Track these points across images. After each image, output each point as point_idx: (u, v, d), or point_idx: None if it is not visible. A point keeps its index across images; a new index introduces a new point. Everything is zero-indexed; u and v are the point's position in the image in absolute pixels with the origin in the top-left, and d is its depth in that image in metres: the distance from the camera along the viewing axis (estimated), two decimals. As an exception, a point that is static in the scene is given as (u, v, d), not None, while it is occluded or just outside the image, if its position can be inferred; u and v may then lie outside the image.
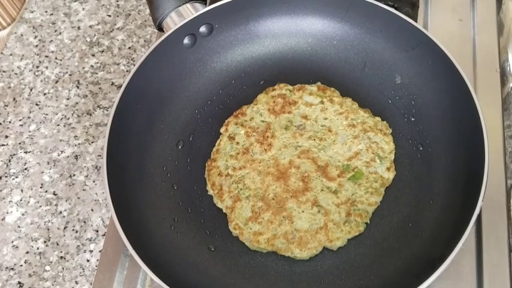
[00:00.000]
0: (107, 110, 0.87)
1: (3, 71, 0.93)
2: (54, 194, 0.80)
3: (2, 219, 0.79)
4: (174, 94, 0.79)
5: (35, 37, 0.96)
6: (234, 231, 0.70)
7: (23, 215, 0.79)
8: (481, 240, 0.70)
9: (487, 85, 0.81)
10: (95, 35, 0.96)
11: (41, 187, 0.81)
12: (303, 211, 0.70)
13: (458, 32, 0.86)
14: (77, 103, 0.89)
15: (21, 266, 0.75)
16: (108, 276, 0.71)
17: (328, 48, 0.82)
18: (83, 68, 0.92)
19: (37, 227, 0.78)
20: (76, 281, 0.74)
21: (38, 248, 0.76)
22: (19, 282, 0.74)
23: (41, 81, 0.91)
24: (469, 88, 0.68)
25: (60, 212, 0.79)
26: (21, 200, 0.80)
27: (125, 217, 0.64)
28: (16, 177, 0.82)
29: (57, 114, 0.88)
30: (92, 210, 0.79)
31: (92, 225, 0.77)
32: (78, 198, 0.80)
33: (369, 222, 0.70)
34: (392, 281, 0.65)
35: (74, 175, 0.82)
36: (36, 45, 0.95)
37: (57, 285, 0.73)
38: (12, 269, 0.75)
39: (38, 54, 0.94)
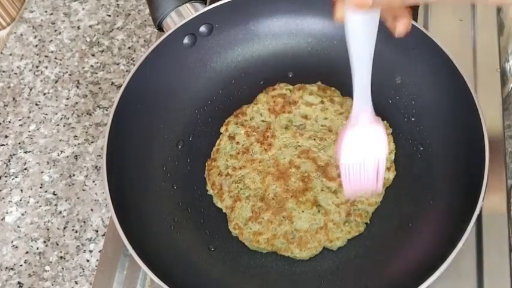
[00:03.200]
0: (106, 110, 0.87)
1: (3, 71, 0.93)
2: (54, 194, 0.80)
3: (2, 219, 0.79)
4: (174, 94, 0.79)
5: (35, 37, 0.96)
6: (234, 231, 0.70)
7: (22, 215, 0.79)
8: (481, 240, 0.70)
9: (487, 85, 0.81)
10: (94, 34, 0.96)
11: (40, 187, 0.81)
12: (303, 211, 0.70)
13: (458, 32, 0.86)
14: (76, 103, 0.88)
15: (21, 266, 0.75)
16: (108, 276, 0.70)
17: (328, 48, 0.82)
18: (83, 67, 0.92)
19: (37, 227, 0.78)
20: (76, 281, 0.73)
21: (37, 248, 0.76)
22: (19, 282, 0.74)
23: (41, 81, 0.91)
24: (469, 88, 0.68)
25: (60, 212, 0.79)
26: (20, 200, 0.80)
27: (125, 217, 0.64)
28: (16, 177, 0.82)
29: (57, 114, 0.88)
30: (92, 210, 0.79)
31: (91, 225, 0.77)
32: (78, 198, 0.80)
33: (369, 222, 0.70)
34: (392, 281, 0.65)
35: (74, 175, 0.82)
36: (36, 45, 0.95)
37: (56, 285, 0.73)
38: (12, 269, 0.75)
39: (37, 54, 0.94)
